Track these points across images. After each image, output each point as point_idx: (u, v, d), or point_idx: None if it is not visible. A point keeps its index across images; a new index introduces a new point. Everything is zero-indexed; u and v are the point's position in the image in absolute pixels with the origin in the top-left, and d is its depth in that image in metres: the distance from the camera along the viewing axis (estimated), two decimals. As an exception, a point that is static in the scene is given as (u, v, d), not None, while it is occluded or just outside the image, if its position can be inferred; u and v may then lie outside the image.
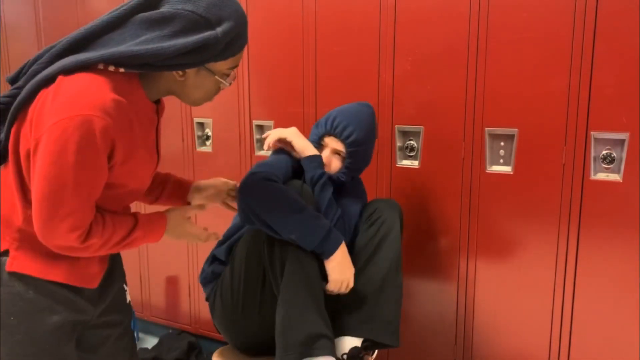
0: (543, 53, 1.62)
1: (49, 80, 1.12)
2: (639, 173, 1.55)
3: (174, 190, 1.54)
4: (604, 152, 1.60)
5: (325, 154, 1.64)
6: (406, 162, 1.90)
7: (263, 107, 2.16)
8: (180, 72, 1.18)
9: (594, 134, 1.59)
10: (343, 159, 1.64)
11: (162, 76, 1.20)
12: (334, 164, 1.64)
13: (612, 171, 1.60)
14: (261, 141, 2.19)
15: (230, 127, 2.25)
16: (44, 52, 1.19)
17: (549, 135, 1.65)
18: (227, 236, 1.73)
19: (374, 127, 1.67)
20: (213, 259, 1.74)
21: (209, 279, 1.72)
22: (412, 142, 1.88)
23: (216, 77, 1.20)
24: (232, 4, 1.15)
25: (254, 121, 2.18)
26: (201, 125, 2.34)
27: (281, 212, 1.43)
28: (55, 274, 1.19)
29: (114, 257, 1.39)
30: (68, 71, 1.11)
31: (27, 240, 1.16)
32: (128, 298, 1.45)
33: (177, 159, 2.40)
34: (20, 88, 1.16)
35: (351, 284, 1.52)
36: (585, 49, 1.56)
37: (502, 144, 1.74)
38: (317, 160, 1.60)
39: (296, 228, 1.42)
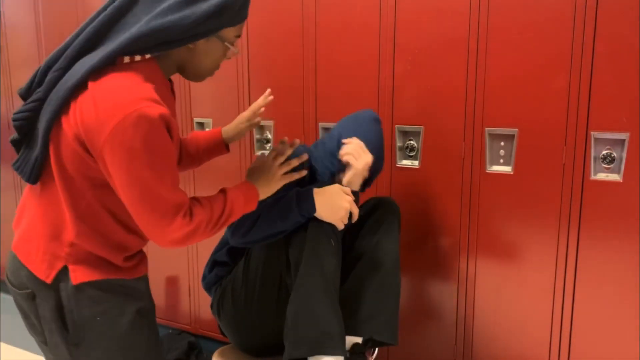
0: (543, 53, 1.62)
1: (79, 88, 1.09)
2: (639, 173, 1.55)
3: (209, 144, 1.63)
4: (604, 152, 1.60)
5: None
6: (406, 162, 1.90)
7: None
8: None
9: (594, 134, 1.59)
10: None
11: (175, 53, 1.20)
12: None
13: (612, 171, 1.60)
14: (261, 141, 2.19)
15: (230, 127, 2.24)
16: (56, 56, 1.15)
17: (549, 135, 1.65)
18: (227, 239, 1.72)
19: (382, 141, 1.66)
20: (214, 263, 1.73)
21: (212, 282, 1.72)
22: (412, 142, 1.88)
23: (223, 43, 1.21)
24: None
25: (254, 121, 2.18)
26: (201, 125, 2.34)
27: (258, 226, 1.45)
28: (114, 274, 1.23)
29: None
30: (96, 75, 1.09)
31: (81, 253, 1.18)
32: None
33: (177, 159, 2.40)
34: (41, 100, 1.13)
35: (354, 210, 1.47)
36: (585, 49, 1.56)
37: (502, 143, 1.74)
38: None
39: (276, 222, 1.44)
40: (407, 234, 1.89)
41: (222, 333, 1.74)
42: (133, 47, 1.10)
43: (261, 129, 2.19)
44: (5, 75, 2.94)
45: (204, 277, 1.75)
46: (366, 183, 1.62)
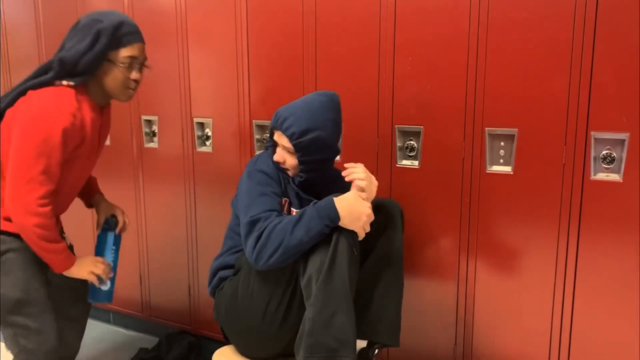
0: (543, 53, 1.62)
1: (22, 94, 1.66)
2: (639, 173, 1.55)
3: (84, 193, 1.98)
4: (604, 152, 1.60)
5: (279, 151, 1.61)
6: (406, 162, 1.90)
7: (263, 107, 2.16)
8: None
9: (594, 134, 1.59)
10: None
11: (92, 82, 1.69)
12: (289, 161, 1.61)
13: (612, 171, 1.60)
14: (261, 141, 2.19)
15: (231, 127, 2.25)
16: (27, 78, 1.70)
17: (549, 135, 1.65)
18: (230, 246, 1.71)
19: (326, 115, 1.58)
20: (217, 267, 1.72)
21: (216, 285, 1.71)
22: (412, 142, 1.88)
23: (114, 64, 1.66)
24: (118, 13, 1.72)
25: (254, 121, 2.18)
26: (201, 125, 2.34)
27: (284, 246, 1.44)
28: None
29: None
30: (35, 87, 1.66)
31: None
32: None
33: (178, 159, 2.40)
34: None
35: (371, 215, 1.49)
36: (585, 49, 1.56)
37: (502, 143, 1.74)
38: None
39: (301, 239, 1.43)
40: (407, 233, 1.89)
41: (224, 334, 1.74)
42: (59, 74, 1.64)
43: (261, 128, 2.19)
44: (5, 75, 2.94)
45: (209, 283, 1.74)
46: (303, 160, 1.59)
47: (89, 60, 1.61)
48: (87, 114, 1.67)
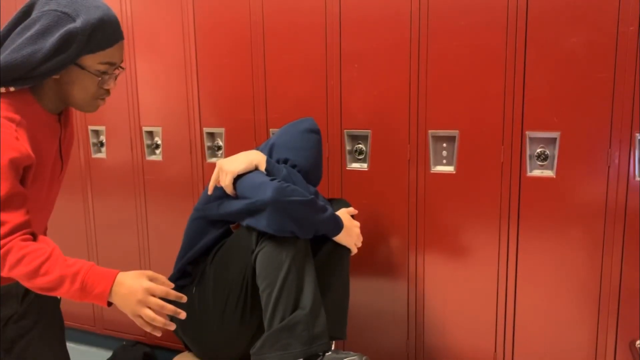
0: (480, 59, 1.71)
1: None
2: (570, 169, 1.66)
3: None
4: (538, 150, 1.70)
5: None
6: (356, 165, 1.96)
7: (213, 114, 2.16)
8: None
9: (528, 133, 1.69)
10: None
11: (47, 86, 1.28)
12: None
13: (546, 168, 1.70)
14: (212, 148, 2.20)
15: (180, 135, 2.24)
16: None
17: (487, 136, 1.73)
18: (187, 250, 1.70)
19: (318, 152, 1.68)
20: (177, 278, 1.71)
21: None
22: (360, 145, 1.93)
23: (87, 71, 1.25)
24: (94, 0, 1.25)
25: (204, 128, 2.18)
26: (150, 133, 2.32)
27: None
28: None
29: None
30: None
31: None
32: None
33: (127, 169, 2.37)
34: None
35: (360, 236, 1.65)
36: (517, 54, 1.66)
37: (444, 145, 1.81)
38: (276, 168, 1.56)
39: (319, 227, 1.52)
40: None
41: (184, 343, 1.73)
42: None
43: (212, 136, 2.19)
44: None
45: None
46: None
47: (50, 68, 1.20)
48: (37, 125, 1.27)
